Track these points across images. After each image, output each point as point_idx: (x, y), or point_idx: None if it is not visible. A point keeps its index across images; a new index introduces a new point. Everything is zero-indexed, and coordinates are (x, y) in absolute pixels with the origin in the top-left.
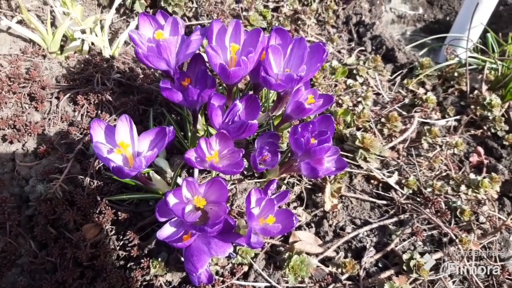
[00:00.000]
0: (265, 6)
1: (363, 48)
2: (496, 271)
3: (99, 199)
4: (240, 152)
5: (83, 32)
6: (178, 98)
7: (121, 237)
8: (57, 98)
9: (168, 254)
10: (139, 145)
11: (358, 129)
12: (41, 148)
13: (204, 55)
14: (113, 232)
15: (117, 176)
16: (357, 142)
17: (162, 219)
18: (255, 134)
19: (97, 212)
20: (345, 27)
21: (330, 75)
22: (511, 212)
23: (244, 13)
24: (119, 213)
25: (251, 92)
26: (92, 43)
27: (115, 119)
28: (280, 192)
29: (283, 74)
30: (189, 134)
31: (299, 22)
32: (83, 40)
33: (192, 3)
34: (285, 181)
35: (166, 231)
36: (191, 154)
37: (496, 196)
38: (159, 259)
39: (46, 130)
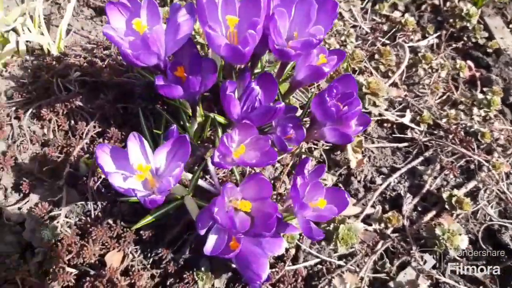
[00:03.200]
0: None
1: None
2: None
3: (111, 222)
4: (268, 138)
5: (15, 30)
6: (178, 93)
7: (148, 255)
8: (17, 118)
9: (209, 260)
10: (155, 161)
11: (354, 72)
12: (23, 183)
13: None
14: (139, 252)
15: (149, 207)
16: (363, 89)
17: (203, 231)
18: None
19: (115, 236)
20: None
21: None
22: None
23: None
24: (141, 232)
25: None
26: (28, 41)
27: (95, 127)
28: (314, 168)
29: (299, 41)
30: (189, 126)
31: None
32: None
33: None
34: (303, 149)
35: (211, 243)
36: (216, 156)
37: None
38: (203, 269)
39: (19, 159)
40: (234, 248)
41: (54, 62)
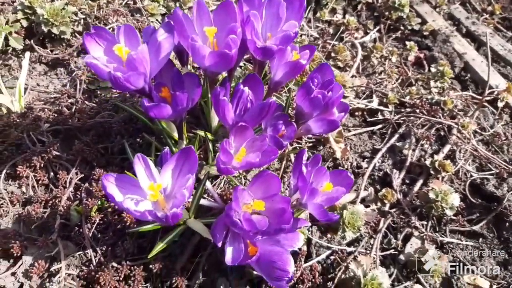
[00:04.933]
0: None
1: None
2: (492, 139)
3: (116, 264)
4: (264, 137)
5: None
6: (167, 112)
7: None
8: None
9: (226, 277)
10: (163, 180)
11: None
12: (13, 247)
13: None
14: None
15: (171, 223)
16: None
17: (220, 243)
18: None
19: (123, 278)
20: None
21: None
22: (462, 88)
23: (140, 5)
24: (150, 266)
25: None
26: None
27: (77, 173)
28: (311, 159)
29: (277, 37)
30: (176, 150)
31: None
32: None
33: (76, 15)
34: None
35: (230, 254)
36: (220, 164)
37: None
38: (222, 287)
39: (2, 224)
40: (254, 253)
41: (20, 119)
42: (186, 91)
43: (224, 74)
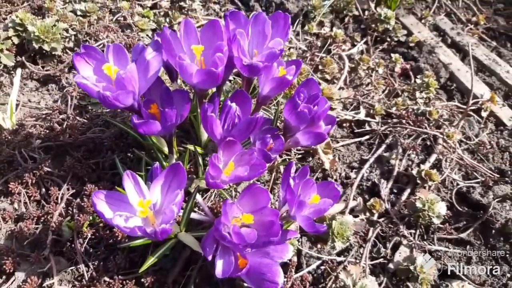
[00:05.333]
0: (143, 7)
1: (253, 11)
2: (477, 148)
3: (108, 279)
4: (252, 151)
5: None
6: (157, 128)
7: None
8: None
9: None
10: (152, 196)
11: None
12: (6, 263)
13: None
14: None
15: (160, 239)
16: None
17: (210, 257)
18: None
19: None
20: None
21: None
22: (448, 98)
23: (130, 21)
24: (142, 280)
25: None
26: None
27: (68, 189)
28: (299, 171)
29: (263, 54)
30: (166, 164)
31: (184, 9)
32: None
33: (67, 31)
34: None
35: (220, 266)
36: (209, 178)
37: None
38: None
39: None
40: (244, 266)
41: (12, 136)
42: (175, 107)
43: (214, 89)
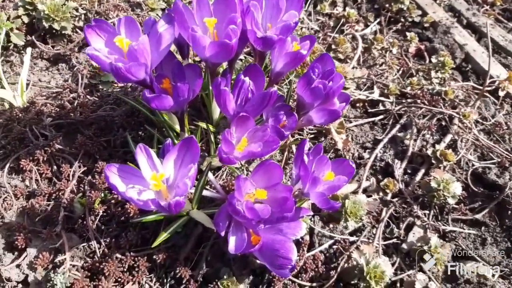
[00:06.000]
0: None
1: None
2: (493, 129)
3: (119, 255)
4: (265, 128)
5: None
6: (169, 103)
7: (165, 280)
8: None
9: (229, 267)
10: (165, 170)
11: None
12: (18, 239)
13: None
14: (154, 280)
15: (174, 211)
16: None
17: (223, 232)
18: None
19: (127, 269)
20: None
21: None
22: (463, 79)
23: (140, 0)
24: (154, 256)
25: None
26: None
27: (80, 166)
28: (313, 148)
29: (277, 27)
30: (178, 141)
31: None
32: None
33: (77, 10)
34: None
35: (233, 242)
36: (222, 153)
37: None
38: (225, 277)
39: (6, 217)
40: (257, 242)
41: (23, 113)
42: (187, 82)
43: (225, 65)
